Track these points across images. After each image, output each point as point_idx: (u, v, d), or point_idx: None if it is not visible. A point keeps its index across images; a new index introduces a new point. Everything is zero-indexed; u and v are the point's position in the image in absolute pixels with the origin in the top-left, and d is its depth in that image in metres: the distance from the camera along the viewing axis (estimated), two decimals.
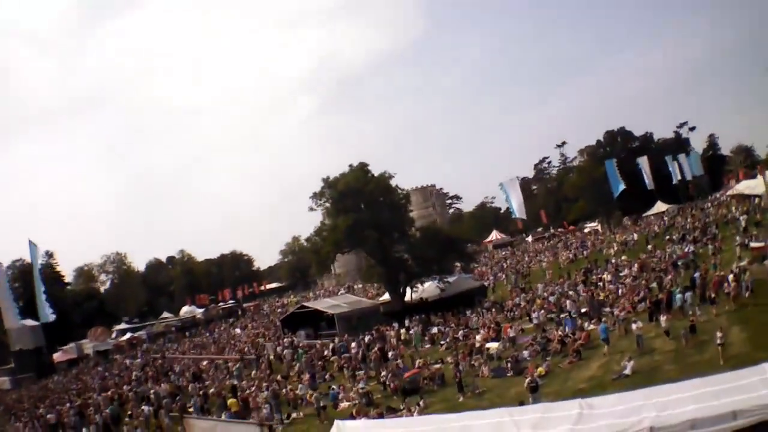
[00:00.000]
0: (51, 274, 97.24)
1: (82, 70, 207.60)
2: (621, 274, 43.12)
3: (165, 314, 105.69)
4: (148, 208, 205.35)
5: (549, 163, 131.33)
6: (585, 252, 66.35)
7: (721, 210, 65.93)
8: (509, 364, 27.07)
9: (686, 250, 45.68)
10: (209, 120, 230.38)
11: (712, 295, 28.69)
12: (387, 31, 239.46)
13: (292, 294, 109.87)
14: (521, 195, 67.20)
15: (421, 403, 24.11)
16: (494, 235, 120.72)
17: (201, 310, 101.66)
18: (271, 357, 42.88)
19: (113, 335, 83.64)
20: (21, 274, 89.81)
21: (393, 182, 49.41)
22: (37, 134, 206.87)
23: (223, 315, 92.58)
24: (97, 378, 52.96)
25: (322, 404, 26.68)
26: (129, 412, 33.65)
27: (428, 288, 48.22)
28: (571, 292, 39.73)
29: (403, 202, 50.41)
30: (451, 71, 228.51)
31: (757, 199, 60.53)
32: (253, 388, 32.61)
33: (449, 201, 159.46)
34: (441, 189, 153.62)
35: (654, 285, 35.36)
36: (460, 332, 36.69)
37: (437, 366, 30.15)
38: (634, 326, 25.86)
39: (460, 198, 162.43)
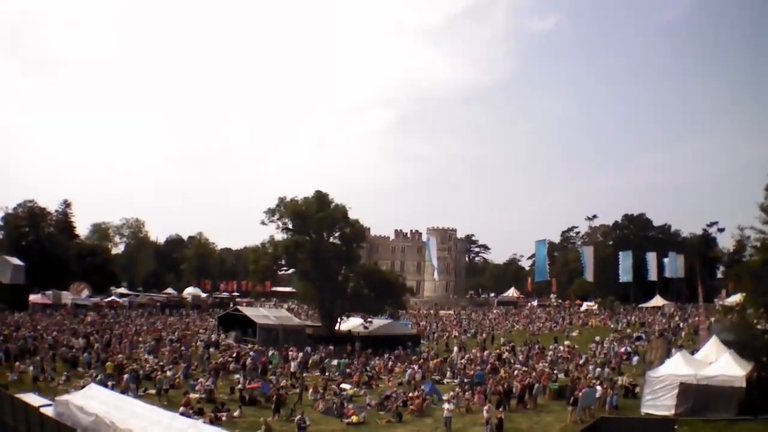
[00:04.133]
0: (62, 223, 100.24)
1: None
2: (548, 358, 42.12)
3: (169, 290, 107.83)
4: (194, 184, 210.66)
5: (577, 233, 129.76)
6: (554, 327, 65.91)
7: (698, 318, 63.58)
8: (334, 405, 27.38)
9: (623, 349, 44.29)
10: (279, 112, 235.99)
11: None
12: (474, 65, 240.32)
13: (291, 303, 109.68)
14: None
15: (237, 413, 25.04)
16: (512, 292, 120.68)
17: (204, 295, 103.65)
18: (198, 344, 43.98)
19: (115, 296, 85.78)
20: (30, 215, 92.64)
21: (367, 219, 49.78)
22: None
23: (213, 304, 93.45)
24: (44, 322, 54.56)
25: (165, 387, 28.58)
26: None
27: (354, 323, 48.11)
28: (462, 361, 39.15)
29: (356, 235, 50.41)
30: (523, 119, 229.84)
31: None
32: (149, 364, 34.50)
33: (477, 249, 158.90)
34: (472, 236, 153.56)
35: (561, 376, 34.60)
36: (348, 370, 36.68)
37: (295, 391, 30.32)
38: (445, 406, 25.19)
39: (489, 249, 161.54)
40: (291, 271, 57.42)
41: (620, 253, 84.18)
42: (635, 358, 40.63)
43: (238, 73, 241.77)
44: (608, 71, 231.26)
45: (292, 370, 36.02)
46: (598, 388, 28.01)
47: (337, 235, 49.26)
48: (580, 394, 26.04)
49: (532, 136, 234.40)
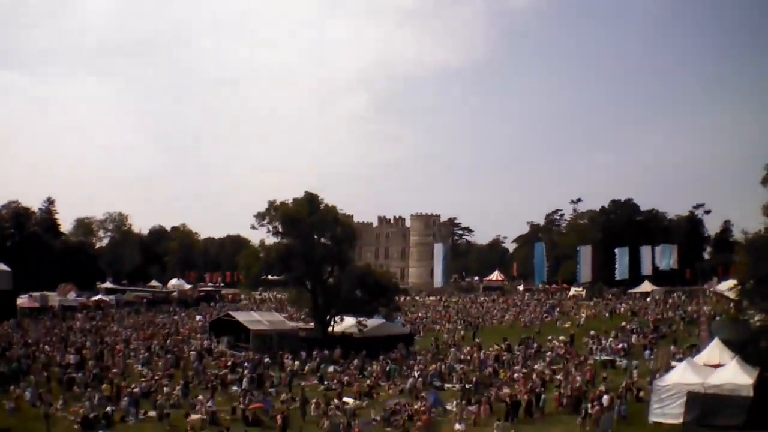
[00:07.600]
0: (47, 221, 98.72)
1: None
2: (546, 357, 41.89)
3: (153, 282, 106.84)
4: (176, 174, 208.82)
5: (561, 215, 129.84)
6: (548, 317, 65.78)
7: (693, 306, 64.00)
8: (341, 425, 26.74)
9: (620, 346, 44.25)
10: (254, 97, 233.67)
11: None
12: (451, 46, 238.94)
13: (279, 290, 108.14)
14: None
15: None
16: (496, 275, 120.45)
17: (189, 286, 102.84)
18: (190, 353, 42.87)
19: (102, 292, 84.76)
20: (14, 215, 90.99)
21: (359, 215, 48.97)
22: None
23: (200, 298, 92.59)
24: (35, 331, 53.54)
25: (166, 411, 27.69)
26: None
27: (348, 323, 47.60)
28: (459, 365, 38.97)
29: (347, 236, 49.67)
30: (503, 100, 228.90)
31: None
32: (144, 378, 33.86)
33: (460, 232, 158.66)
34: (455, 219, 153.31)
35: (560, 377, 34.23)
36: (345, 378, 36.22)
37: (296, 404, 29.90)
38: (456, 427, 24.87)
39: (472, 231, 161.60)
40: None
41: (616, 250, 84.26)
42: (646, 353, 41.31)
43: (216, 59, 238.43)
44: (594, 50, 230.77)
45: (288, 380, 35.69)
46: (606, 397, 27.67)
47: (328, 236, 48.44)
48: (599, 416, 25.63)
49: (514, 116, 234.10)
